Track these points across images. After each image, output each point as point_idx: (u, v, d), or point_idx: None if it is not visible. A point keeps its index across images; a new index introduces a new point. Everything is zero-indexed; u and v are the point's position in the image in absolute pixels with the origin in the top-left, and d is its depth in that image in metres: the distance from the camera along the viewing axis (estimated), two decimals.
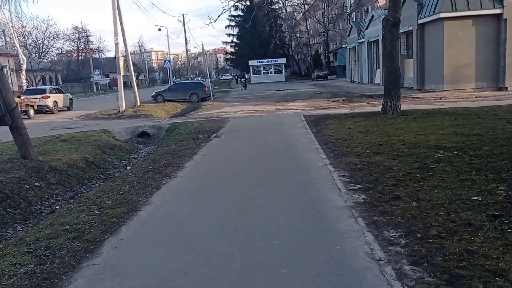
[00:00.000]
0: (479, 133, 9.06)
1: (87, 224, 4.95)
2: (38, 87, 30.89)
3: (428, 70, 25.58)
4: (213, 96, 32.43)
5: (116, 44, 21.66)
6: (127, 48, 23.79)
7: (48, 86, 30.43)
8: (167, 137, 14.36)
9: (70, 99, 29.26)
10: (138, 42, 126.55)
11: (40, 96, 25.00)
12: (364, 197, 5.25)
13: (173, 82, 53.29)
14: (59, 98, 27.14)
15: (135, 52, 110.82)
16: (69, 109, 27.94)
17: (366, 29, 36.64)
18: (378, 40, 33.70)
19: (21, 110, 21.04)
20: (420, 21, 25.56)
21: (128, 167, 9.57)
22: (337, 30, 71.44)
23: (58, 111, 26.41)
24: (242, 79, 46.69)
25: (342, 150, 8.53)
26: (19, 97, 23.24)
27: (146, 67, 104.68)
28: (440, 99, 20.49)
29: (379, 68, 35.44)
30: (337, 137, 10.15)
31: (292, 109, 20.52)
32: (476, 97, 20.54)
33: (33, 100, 23.99)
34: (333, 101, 23.44)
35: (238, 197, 5.67)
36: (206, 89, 31.18)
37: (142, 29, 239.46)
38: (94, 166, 10.15)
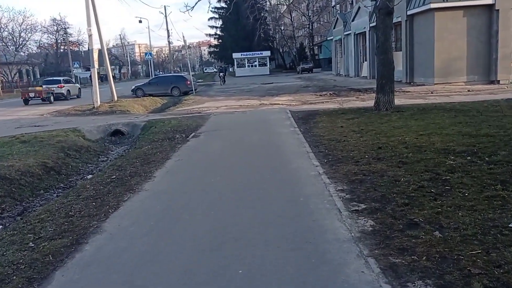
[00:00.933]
0: (488, 134, 8.06)
1: (12, 266, 3.76)
2: (54, 78, 34.06)
3: (418, 62, 24.69)
4: (195, 90, 31.09)
5: (90, 36, 20.20)
6: (102, 40, 22.32)
7: (61, 78, 34.06)
8: (142, 136, 13.11)
9: (79, 88, 33.69)
10: (120, 35, 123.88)
11: (56, 85, 29.23)
12: (372, 223, 4.15)
13: (155, 75, 51.66)
14: (72, 87, 31.89)
15: (117, 45, 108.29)
16: (78, 96, 31.67)
17: (353, 21, 35.64)
18: (365, 32, 32.76)
19: (43, 97, 25.87)
20: (409, 12, 24.61)
21: (89, 176, 8.30)
22: (321, 22, 70.44)
23: (70, 98, 30.11)
24: (221, 74, 42.77)
25: (337, 154, 7.43)
26: (41, 86, 27.48)
27: (129, 60, 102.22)
28: (432, 93, 19.61)
29: (366, 60, 34.53)
30: (329, 137, 9.06)
31: (278, 103, 19.41)
32: (468, 90, 19.71)
33: (52, 89, 27.89)
34: (320, 95, 22.40)
35: (212, 224, 4.51)
36: (188, 82, 29.86)
37: (125, 22, 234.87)
38: (54, 173, 8.87)
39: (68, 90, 30.46)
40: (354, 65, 36.44)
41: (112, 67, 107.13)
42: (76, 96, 31.35)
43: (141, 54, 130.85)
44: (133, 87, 31.93)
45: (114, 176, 7.04)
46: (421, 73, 24.12)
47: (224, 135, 10.46)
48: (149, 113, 21.10)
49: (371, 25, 31.12)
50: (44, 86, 27.96)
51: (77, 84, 34.70)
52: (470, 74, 22.45)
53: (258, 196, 5.40)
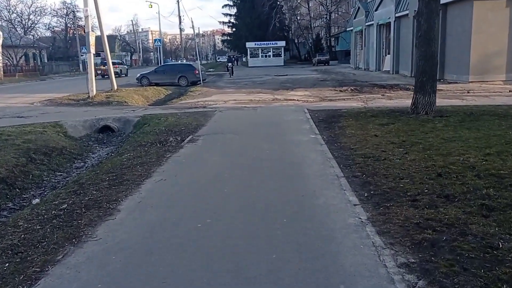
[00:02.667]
0: None
1: None
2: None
3: (450, 58, 22.22)
4: (203, 80, 29.00)
5: (86, 17, 18.14)
6: (101, 23, 20.29)
7: (116, 60, 44.62)
8: (133, 135, 11.09)
9: (127, 69, 45.42)
10: (132, 21, 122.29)
11: (113, 66, 32.98)
12: None
13: (164, 63, 49.60)
14: (122, 68, 42.81)
15: (130, 32, 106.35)
16: (126, 75, 40.87)
17: (376, 10, 33.08)
18: (390, 23, 30.23)
19: (104, 74, 32.01)
20: (442, 1, 22.11)
21: (35, 201, 6.18)
22: (340, 12, 67.65)
23: (122, 76, 38.61)
24: (229, 64, 37.84)
25: (380, 182, 5.27)
26: (104, 65, 31.92)
27: (140, 47, 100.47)
28: (468, 92, 17.18)
29: (388, 54, 32.02)
30: (363, 152, 6.89)
31: (293, 99, 17.23)
32: (510, 91, 17.26)
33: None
34: (340, 90, 20.14)
35: None
36: (196, 72, 27.74)
37: (139, 8, 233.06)
38: (4, 186, 6.86)
39: (120, 70, 40.79)
40: (376, 58, 33.93)
41: (124, 53, 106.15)
42: (124, 75, 40.49)
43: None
44: (138, 75, 30.00)
45: (65, 206, 4.96)
46: (453, 69, 21.69)
47: (227, 143, 8.31)
48: (150, 105, 19.08)
49: (397, 15, 28.61)
50: (105, 66, 34.09)
51: (126, 66, 49.14)
52: (510, 72, 20.00)
53: (262, 272, 3.27)
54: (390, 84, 21.74)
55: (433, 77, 10.50)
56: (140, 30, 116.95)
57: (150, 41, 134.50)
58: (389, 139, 7.84)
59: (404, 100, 15.37)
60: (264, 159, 6.74)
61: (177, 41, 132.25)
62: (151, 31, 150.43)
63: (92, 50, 18.29)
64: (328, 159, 6.56)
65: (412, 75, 26.31)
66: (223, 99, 17.98)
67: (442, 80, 22.46)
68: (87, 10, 17.77)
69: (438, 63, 10.65)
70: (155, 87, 24.78)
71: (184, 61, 53.37)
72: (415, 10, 26.22)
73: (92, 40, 18.14)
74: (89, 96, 18.49)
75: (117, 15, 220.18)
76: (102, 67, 34.85)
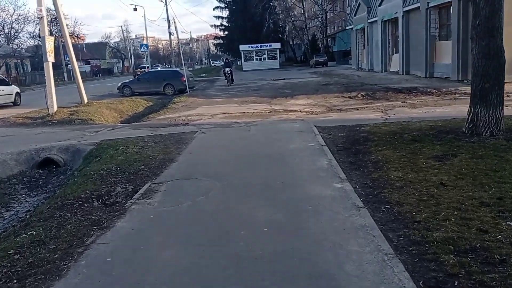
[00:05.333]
0: None
1: None
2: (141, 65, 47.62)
3: None
4: (191, 88, 25.86)
5: (41, 18, 14.93)
6: (64, 24, 17.08)
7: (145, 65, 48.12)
8: (79, 172, 7.89)
9: None
10: (121, 27, 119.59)
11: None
12: None
13: (152, 69, 46.35)
14: None
15: (126, 38, 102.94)
16: None
17: (380, 5, 29.99)
18: (397, 18, 27.13)
19: None
20: None
21: None
22: (336, 12, 64.67)
23: None
24: (227, 69, 29.37)
25: None
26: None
27: (131, 53, 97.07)
28: (508, 96, 14.01)
29: (396, 52, 28.94)
30: (444, 234, 3.63)
31: (295, 110, 14.10)
32: None
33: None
34: (349, 97, 17.01)
35: None
36: (184, 79, 24.58)
37: (133, 16, 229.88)
38: None
39: None
40: (381, 58, 30.81)
41: (115, 60, 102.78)
42: None
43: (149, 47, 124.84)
44: (120, 84, 26.83)
45: None
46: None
47: (199, 206, 5.02)
48: (122, 122, 15.89)
49: (405, 9, 25.52)
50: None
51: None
52: None
53: None
54: (406, 87, 18.61)
55: (500, 83, 7.38)
56: (133, 36, 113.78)
57: None
58: (468, 191, 4.66)
59: (434, 109, 12.29)
60: (262, 259, 3.52)
61: (169, 47, 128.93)
62: (146, 37, 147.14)
63: (50, 58, 15.07)
64: (387, 258, 3.36)
65: (427, 76, 23.19)
66: (210, 112, 14.82)
67: (465, 81, 19.36)
68: (41, 10, 14.57)
69: (505, 62, 7.46)
70: (134, 98, 21.55)
71: (173, 67, 50.17)
72: (428, 2, 23.19)
73: (49, 46, 14.92)
74: (48, 114, 15.28)
75: (111, 22, 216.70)
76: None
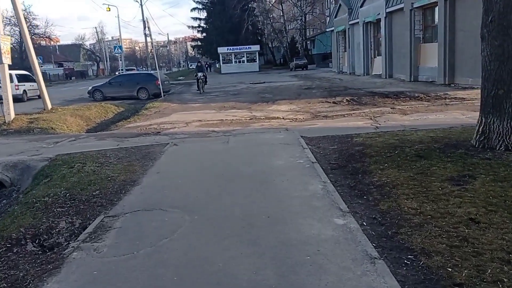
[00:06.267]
0: None
1: None
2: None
3: (462, 57, 18.41)
4: (166, 92, 24.56)
5: None
6: (23, 24, 15.59)
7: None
8: (25, 196, 6.58)
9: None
10: (96, 28, 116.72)
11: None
12: None
13: (126, 71, 44.65)
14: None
15: (100, 40, 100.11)
16: None
17: (361, 6, 29.25)
18: (379, 20, 26.40)
19: None
20: None
21: None
22: (315, 14, 64.14)
23: None
24: (199, 73, 24.72)
25: None
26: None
27: (106, 55, 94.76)
28: None
29: (379, 55, 28.22)
30: None
31: (278, 117, 13.01)
32: None
33: None
34: (334, 102, 16.02)
35: None
36: (158, 82, 23.23)
37: (109, 17, 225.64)
38: None
39: None
40: (363, 61, 30.06)
41: (90, 62, 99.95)
42: None
43: (125, 49, 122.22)
44: (90, 88, 25.31)
45: None
46: (467, 71, 17.86)
47: (161, 252, 3.80)
48: (88, 130, 14.49)
49: (388, 10, 24.77)
50: None
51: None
52: None
53: None
54: (392, 91, 17.76)
55: None
56: (109, 38, 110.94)
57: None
58: (509, 231, 3.60)
59: (426, 116, 11.37)
60: None
61: (148, 49, 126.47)
62: (123, 39, 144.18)
63: (6, 60, 13.60)
64: None
65: (411, 79, 22.42)
66: (185, 120, 13.60)
67: (452, 85, 18.67)
68: None
69: None
70: (104, 103, 20.08)
71: (149, 70, 48.66)
72: (412, 3, 22.47)
73: (5, 47, 13.45)
74: (4, 122, 13.78)
75: (87, 24, 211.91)
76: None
